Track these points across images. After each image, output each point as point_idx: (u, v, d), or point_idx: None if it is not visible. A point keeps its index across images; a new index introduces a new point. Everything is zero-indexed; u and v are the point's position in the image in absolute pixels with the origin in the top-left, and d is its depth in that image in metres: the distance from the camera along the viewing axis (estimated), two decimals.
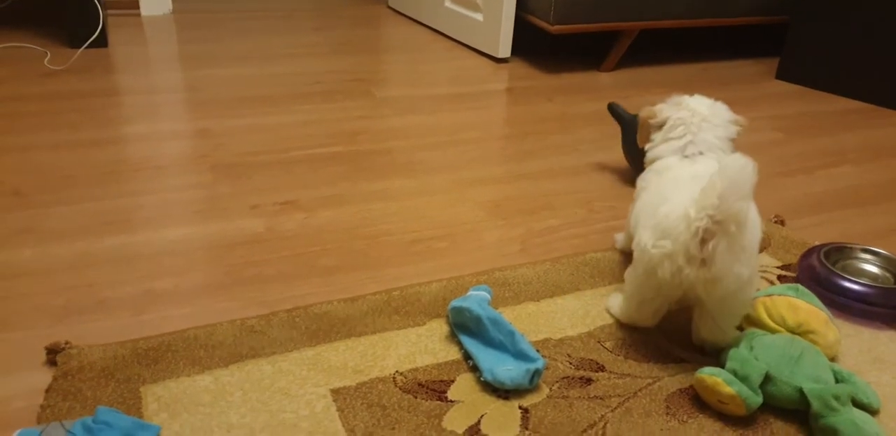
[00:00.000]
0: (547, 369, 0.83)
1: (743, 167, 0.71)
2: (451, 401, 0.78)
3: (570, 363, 0.85)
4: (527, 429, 0.74)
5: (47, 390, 0.77)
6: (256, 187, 1.29)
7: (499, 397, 0.79)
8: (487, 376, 0.79)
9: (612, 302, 0.95)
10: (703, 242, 0.74)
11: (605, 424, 0.75)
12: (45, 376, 0.79)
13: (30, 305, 0.92)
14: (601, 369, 0.84)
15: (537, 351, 0.82)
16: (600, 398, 0.79)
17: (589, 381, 0.82)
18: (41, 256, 1.03)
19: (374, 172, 1.38)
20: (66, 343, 0.83)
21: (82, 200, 1.21)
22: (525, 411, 0.77)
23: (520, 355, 0.81)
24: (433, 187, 1.33)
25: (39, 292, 0.95)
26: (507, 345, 0.83)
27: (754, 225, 0.79)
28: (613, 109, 1.44)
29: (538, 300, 0.97)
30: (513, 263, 1.07)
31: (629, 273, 0.88)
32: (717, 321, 0.83)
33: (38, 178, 1.28)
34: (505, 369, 0.79)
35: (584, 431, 0.74)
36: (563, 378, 0.82)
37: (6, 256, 1.03)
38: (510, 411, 0.77)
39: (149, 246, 1.07)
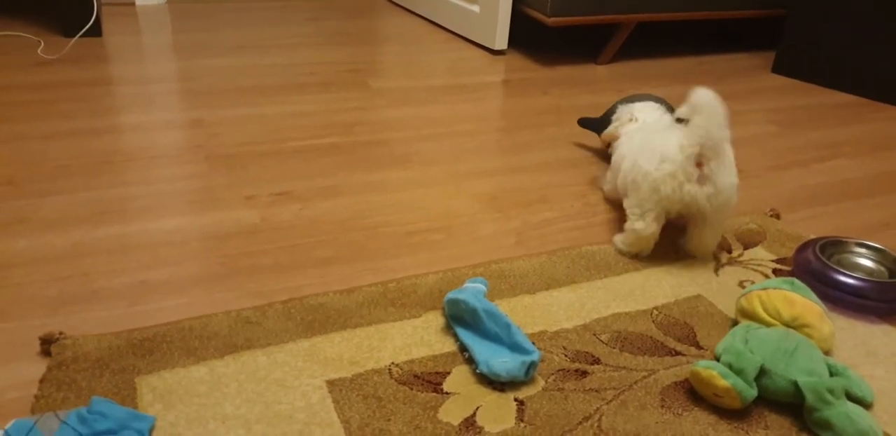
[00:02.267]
0: (543, 361, 0.83)
1: (712, 103, 0.92)
2: (447, 393, 0.78)
3: (566, 356, 0.85)
4: (522, 421, 0.74)
5: (41, 381, 0.76)
6: (251, 178, 1.28)
7: (494, 389, 0.79)
8: (483, 369, 0.79)
9: (616, 239, 1.09)
10: (699, 165, 0.95)
11: (601, 416, 0.75)
12: (39, 367, 0.79)
13: (24, 295, 0.91)
14: (597, 361, 0.84)
15: (533, 343, 0.82)
16: (596, 391, 0.79)
17: (584, 373, 0.82)
18: (35, 246, 1.02)
19: (370, 164, 1.37)
20: (61, 333, 0.82)
21: (76, 189, 1.20)
22: (521, 403, 0.77)
23: (515, 347, 0.81)
24: (429, 179, 1.33)
25: (33, 282, 0.94)
26: (502, 337, 0.83)
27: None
28: (584, 123, 1.51)
29: (534, 293, 0.97)
30: (509, 256, 1.07)
31: (632, 197, 1.04)
32: (713, 227, 1.04)
33: (31, 167, 1.27)
34: (501, 362, 0.79)
35: (580, 423, 0.74)
36: (559, 371, 0.82)
37: (0, 245, 1.02)
38: (506, 403, 0.77)
39: (144, 236, 1.07)
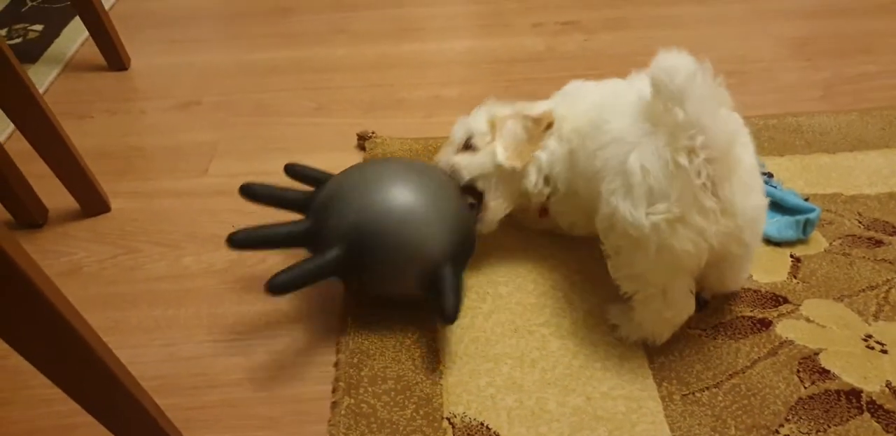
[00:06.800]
0: (831, 224, 0.78)
1: (688, 76, 0.54)
2: None
3: (860, 222, 0.78)
4: (795, 277, 0.73)
5: None
6: (540, 5, 1.26)
7: (769, 243, 0.77)
8: None
9: (617, 319, 0.68)
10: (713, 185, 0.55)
11: (890, 289, 0.71)
12: (356, 157, 0.93)
13: (343, 97, 1.05)
14: None
15: (806, 199, 0.77)
16: (889, 262, 0.73)
17: (879, 243, 0.76)
18: (351, 54, 1.15)
19: None
20: (373, 133, 0.95)
21: (384, 6, 1.29)
22: (797, 260, 0.75)
23: (790, 211, 0.77)
24: (729, 14, 1.20)
25: (350, 87, 1.07)
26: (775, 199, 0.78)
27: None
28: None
29: (833, 153, 0.88)
30: (811, 110, 0.97)
31: (632, 268, 0.61)
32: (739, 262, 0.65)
33: None
34: (770, 222, 0.76)
35: (863, 291, 0.71)
36: (848, 236, 0.77)
37: (324, 52, 1.16)
38: (780, 257, 0.75)
39: (439, 54, 1.14)
